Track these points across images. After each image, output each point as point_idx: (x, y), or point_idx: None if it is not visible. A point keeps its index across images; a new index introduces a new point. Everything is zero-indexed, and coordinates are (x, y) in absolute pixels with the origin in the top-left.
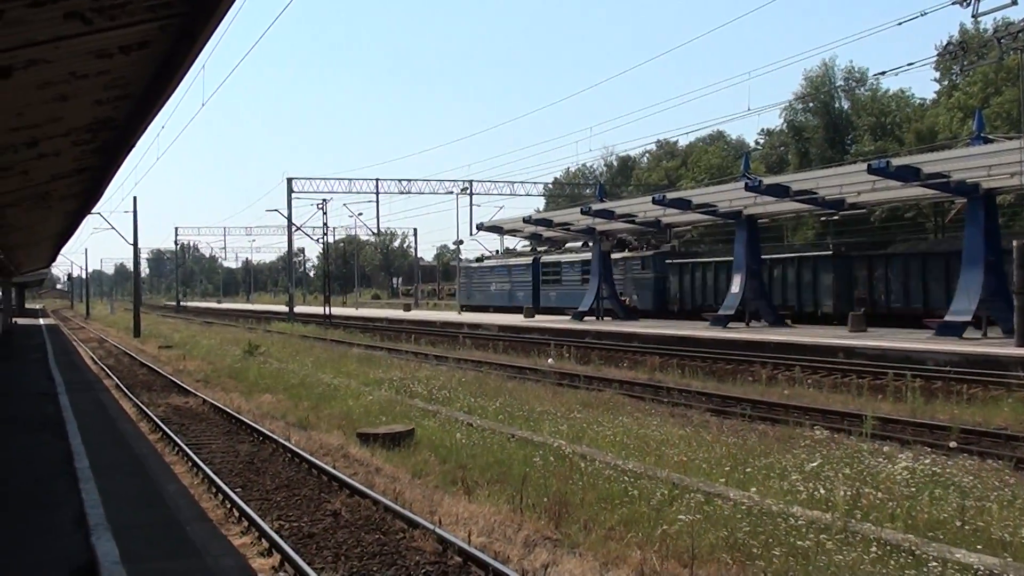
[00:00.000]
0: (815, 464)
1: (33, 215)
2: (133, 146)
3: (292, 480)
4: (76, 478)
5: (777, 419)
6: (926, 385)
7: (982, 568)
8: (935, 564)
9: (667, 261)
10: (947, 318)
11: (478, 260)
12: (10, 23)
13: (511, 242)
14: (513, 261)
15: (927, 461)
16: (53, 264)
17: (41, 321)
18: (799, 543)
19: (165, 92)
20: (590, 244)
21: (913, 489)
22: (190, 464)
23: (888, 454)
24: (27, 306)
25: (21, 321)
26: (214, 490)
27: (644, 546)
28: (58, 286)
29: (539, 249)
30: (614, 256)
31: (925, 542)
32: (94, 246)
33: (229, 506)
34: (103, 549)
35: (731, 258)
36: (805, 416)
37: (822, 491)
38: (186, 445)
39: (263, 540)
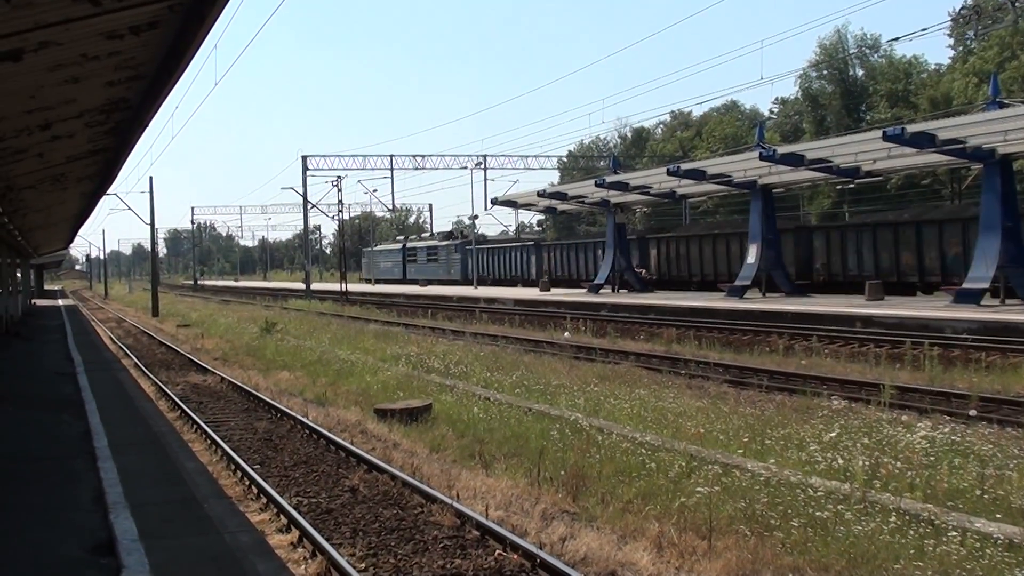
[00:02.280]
0: (833, 434)
1: (50, 197)
2: (147, 126)
3: (310, 456)
4: (95, 456)
5: (795, 389)
6: (944, 353)
7: (1002, 537)
8: (955, 534)
9: (467, 248)
10: (965, 285)
11: (374, 246)
12: (19, 5)
13: (526, 216)
14: (391, 247)
15: (946, 430)
16: (71, 245)
17: (60, 302)
18: (818, 514)
19: (177, 72)
20: (434, 234)
21: (932, 458)
22: (208, 442)
23: (907, 423)
24: (46, 287)
25: (40, 302)
26: (232, 467)
27: (662, 519)
28: (76, 267)
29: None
30: (442, 243)
31: (944, 512)
32: (111, 227)
33: (247, 483)
34: (122, 526)
35: (504, 244)
36: (823, 386)
37: (840, 461)
38: (204, 423)
39: (281, 516)
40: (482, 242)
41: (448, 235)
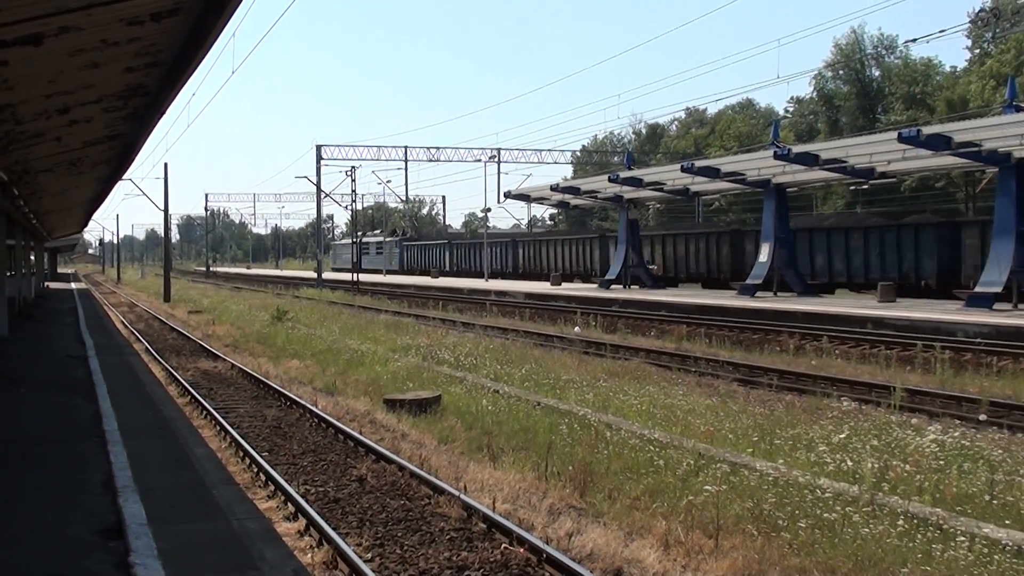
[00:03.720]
0: (843, 436)
1: (65, 181)
2: (164, 113)
3: (319, 445)
4: (105, 440)
5: (804, 389)
6: (956, 357)
7: (1011, 543)
8: (963, 539)
9: (404, 243)
10: (977, 289)
11: (336, 239)
12: None
13: (538, 210)
14: (348, 241)
15: (956, 434)
16: (85, 229)
17: (73, 285)
18: (825, 515)
19: (195, 59)
20: (378, 232)
21: (942, 462)
22: (218, 428)
23: (917, 426)
24: (59, 271)
25: (53, 285)
26: (241, 454)
27: (669, 516)
28: (90, 251)
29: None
30: (387, 239)
31: (953, 516)
32: (125, 212)
33: (256, 470)
34: (130, 510)
35: (427, 242)
36: (833, 387)
37: (849, 463)
38: (214, 409)
39: (289, 504)
40: (415, 239)
41: (392, 232)
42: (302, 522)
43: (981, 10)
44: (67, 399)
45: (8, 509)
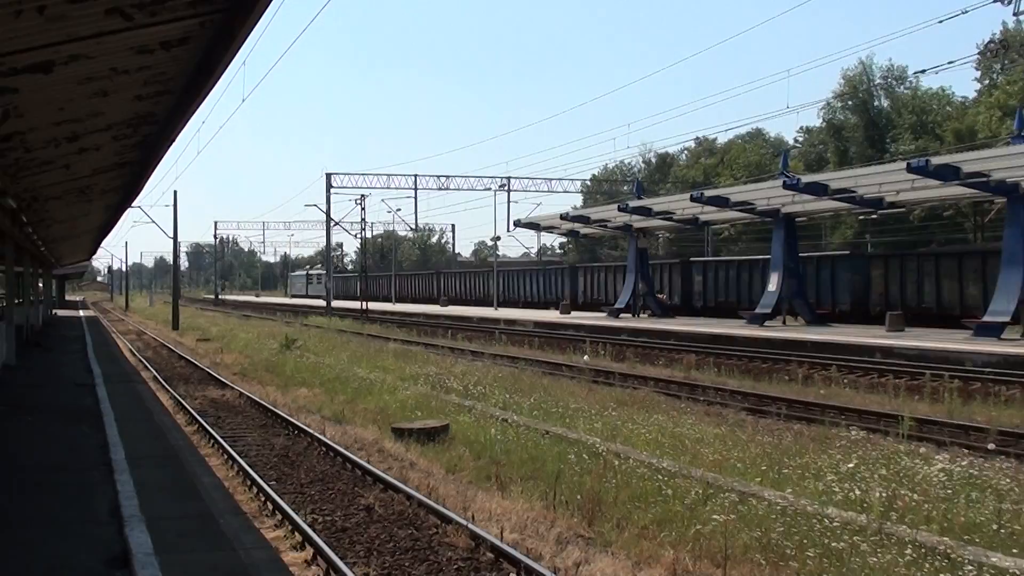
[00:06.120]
0: (851, 465)
1: (74, 208)
2: (173, 141)
3: (326, 474)
4: (112, 469)
5: (813, 419)
6: (964, 386)
7: (1018, 573)
8: (971, 568)
9: (335, 276)
10: (985, 318)
11: (292, 271)
12: (52, 19)
13: (548, 238)
14: (301, 273)
15: (964, 463)
16: (93, 257)
17: (81, 313)
18: (834, 544)
19: (205, 88)
20: (319, 266)
21: (950, 491)
22: (225, 456)
23: (925, 456)
24: (67, 298)
25: (61, 313)
26: (248, 483)
27: (677, 546)
28: (98, 278)
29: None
30: (323, 272)
31: (961, 545)
32: (134, 239)
33: (263, 499)
34: (137, 540)
35: (346, 274)
36: (841, 416)
37: (857, 492)
38: (222, 438)
39: (296, 534)
40: (341, 272)
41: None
42: (309, 551)
43: (990, 41)
44: (74, 427)
45: (15, 537)
